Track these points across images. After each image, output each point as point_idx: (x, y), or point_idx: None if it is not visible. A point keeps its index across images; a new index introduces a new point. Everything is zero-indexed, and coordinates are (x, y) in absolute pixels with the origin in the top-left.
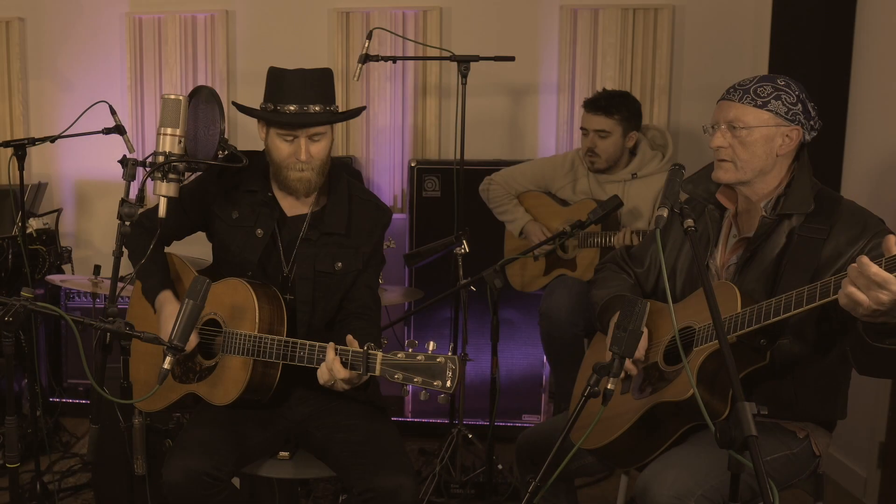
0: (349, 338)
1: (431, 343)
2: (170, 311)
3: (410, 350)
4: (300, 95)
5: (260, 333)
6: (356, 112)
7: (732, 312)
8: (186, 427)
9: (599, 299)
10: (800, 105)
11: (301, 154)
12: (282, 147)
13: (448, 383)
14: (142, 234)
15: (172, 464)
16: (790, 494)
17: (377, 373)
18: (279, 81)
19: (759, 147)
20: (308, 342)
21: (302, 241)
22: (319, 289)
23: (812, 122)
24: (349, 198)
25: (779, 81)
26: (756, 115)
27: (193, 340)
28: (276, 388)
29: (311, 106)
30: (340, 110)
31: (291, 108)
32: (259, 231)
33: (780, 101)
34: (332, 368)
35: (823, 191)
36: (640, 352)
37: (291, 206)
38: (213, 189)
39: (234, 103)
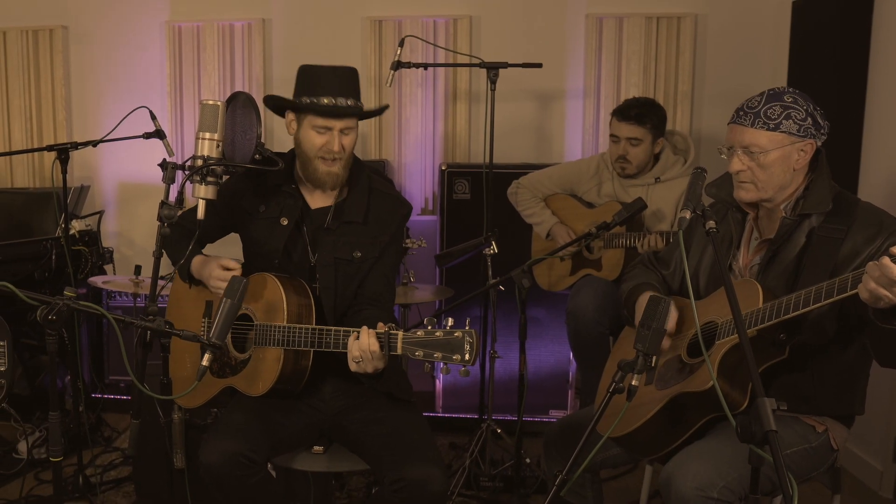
0: (367, 329)
1: (450, 319)
2: (203, 266)
3: (429, 327)
4: (333, 89)
5: (289, 324)
6: (382, 109)
7: (754, 308)
8: (224, 413)
9: (625, 289)
10: (809, 119)
11: (334, 145)
12: (315, 139)
13: (467, 356)
14: (180, 234)
15: (210, 446)
16: (809, 487)
17: (399, 351)
18: (312, 76)
19: (776, 167)
20: (334, 328)
21: (324, 231)
22: (340, 276)
23: (822, 130)
24: (369, 190)
25: (786, 98)
26: (770, 138)
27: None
28: (308, 378)
29: (344, 99)
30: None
31: (326, 100)
32: (284, 220)
33: (790, 120)
34: (364, 348)
35: (842, 193)
36: (672, 323)
37: (315, 200)
38: (242, 186)
39: (268, 97)
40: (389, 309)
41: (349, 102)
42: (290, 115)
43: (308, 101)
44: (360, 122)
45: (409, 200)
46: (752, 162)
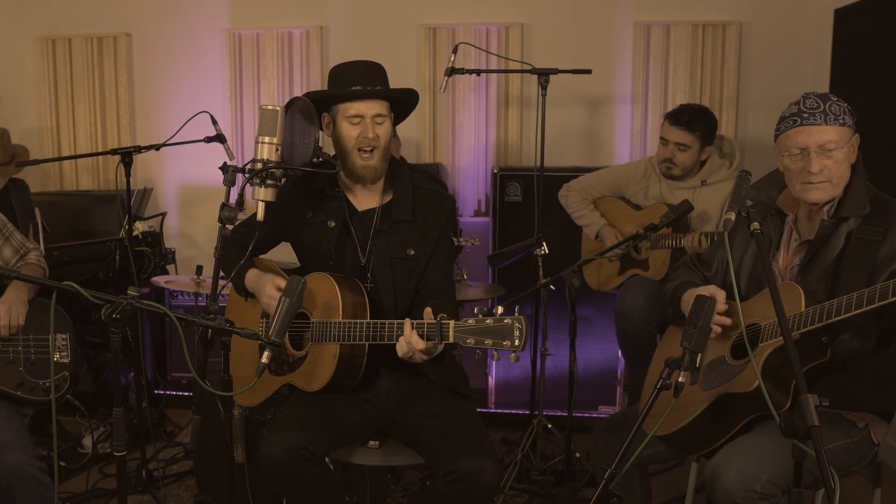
0: (426, 310)
1: (499, 307)
2: (258, 283)
3: (480, 316)
4: (363, 78)
5: (345, 320)
6: (412, 92)
7: (796, 311)
8: (284, 408)
9: (670, 288)
10: (853, 115)
11: (369, 132)
12: (350, 131)
13: (517, 342)
14: (230, 248)
15: (271, 439)
16: (850, 481)
17: (451, 339)
18: (340, 71)
19: (845, 162)
20: (388, 321)
21: (375, 233)
22: (398, 274)
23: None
24: (413, 189)
25: (832, 97)
26: (840, 133)
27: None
28: (364, 374)
29: (374, 88)
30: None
31: (356, 88)
32: (331, 223)
33: (848, 115)
34: (409, 341)
35: (879, 195)
36: (721, 301)
37: (361, 203)
38: (288, 197)
39: (307, 94)
40: (452, 300)
41: (379, 89)
42: (326, 118)
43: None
44: (411, 128)
45: (463, 203)
46: (828, 160)
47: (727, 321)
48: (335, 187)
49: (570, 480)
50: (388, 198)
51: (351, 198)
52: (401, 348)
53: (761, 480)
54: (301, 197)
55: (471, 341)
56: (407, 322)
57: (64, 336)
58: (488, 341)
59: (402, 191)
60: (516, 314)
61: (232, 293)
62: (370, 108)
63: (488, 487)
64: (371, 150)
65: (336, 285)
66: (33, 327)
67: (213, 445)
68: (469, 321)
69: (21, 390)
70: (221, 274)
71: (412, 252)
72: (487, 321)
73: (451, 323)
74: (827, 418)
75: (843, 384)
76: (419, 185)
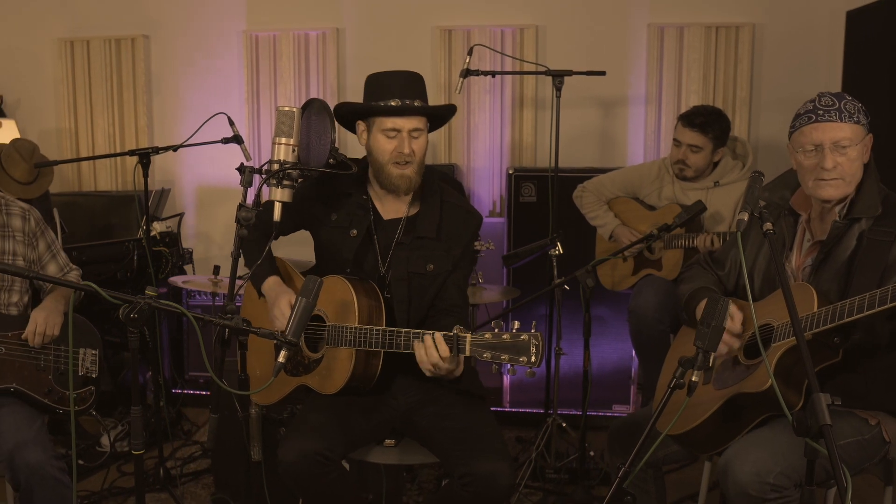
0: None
1: (516, 322)
2: (276, 293)
3: (496, 330)
4: (402, 92)
5: (360, 325)
6: (451, 108)
7: (809, 312)
8: (300, 412)
9: (684, 292)
10: (867, 115)
11: (405, 147)
12: (385, 144)
13: (533, 358)
14: (258, 234)
15: (288, 445)
16: (862, 479)
17: (467, 353)
18: (378, 82)
19: (858, 160)
20: (405, 329)
21: (396, 245)
22: (414, 288)
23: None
24: (441, 204)
25: (847, 96)
26: (854, 131)
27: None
28: (379, 377)
29: (412, 101)
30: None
31: (395, 102)
32: (353, 231)
33: (862, 114)
34: (437, 345)
35: (891, 196)
36: (737, 325)
37: (387, 211)
38: (314, 194)
39: (339, 104)
40: (464, 317)
41: (418, 103)
42: (361, 126)
43: (377, 104)
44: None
45: (478, 203)
46: (842, 157)
47: (735, 344)
48: (363, 194)
49: (585, 479)
50: (415, 210)
51: (377, 204)
52: (420, 354)
53: (774, 472)
54: (326, 198)
55: (487, 356)
56: (427, 337)
57: (94, 351)
58: (504, 356)
59: (430, 205)
60: (533, 330)
61: (247, 293)
62: (408, 123)
63: (503, 489)
64: (407, 163)
65: (352, 289)
66: (66, 339)
67: (231, 444)
68: (486, 335)
69: (48, 398)
70: (239, 274)
71: (431, 267)
72: (504, 336)
73: (468, 336)
74: (839, 415)
75: (855, 384)
76: (447, 200)
